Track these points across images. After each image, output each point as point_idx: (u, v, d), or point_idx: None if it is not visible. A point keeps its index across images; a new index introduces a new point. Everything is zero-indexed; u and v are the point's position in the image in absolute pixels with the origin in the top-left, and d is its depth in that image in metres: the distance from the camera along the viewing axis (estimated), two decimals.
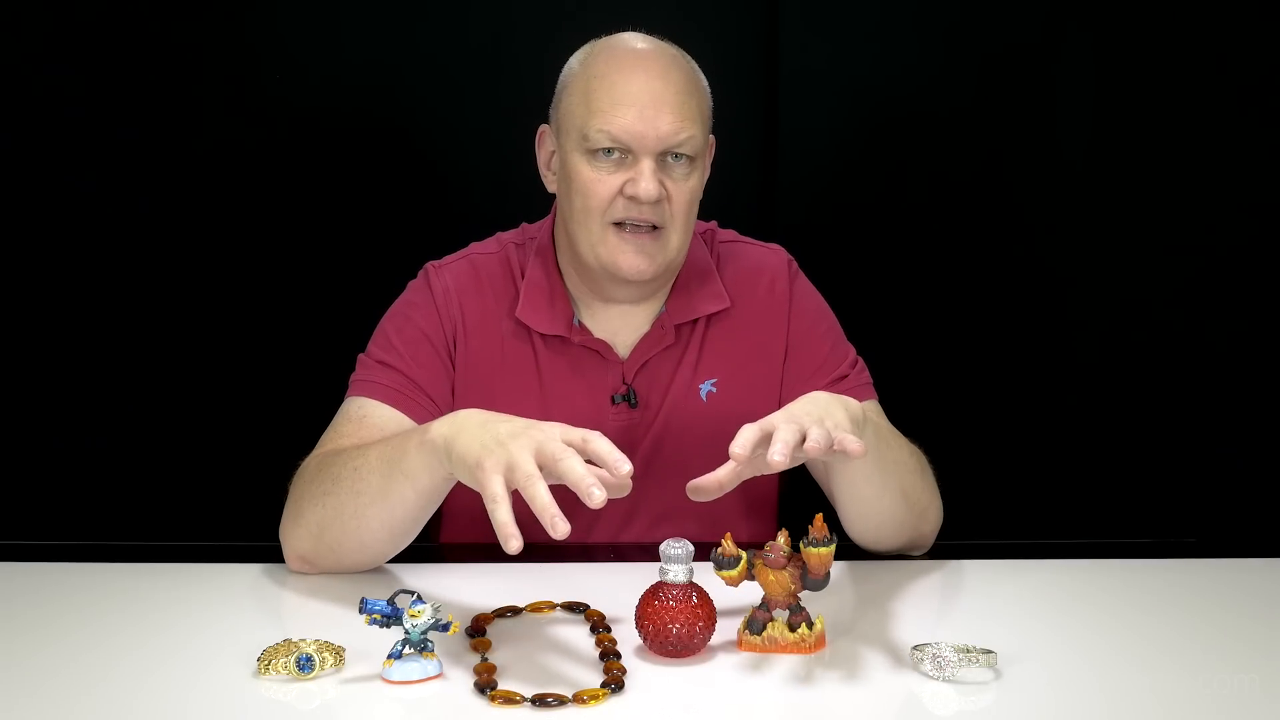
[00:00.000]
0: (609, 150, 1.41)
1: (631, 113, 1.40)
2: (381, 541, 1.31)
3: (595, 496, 1.06)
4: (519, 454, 1.10)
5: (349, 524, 1.29)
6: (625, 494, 1.12)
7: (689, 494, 1.17)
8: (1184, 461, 2.24)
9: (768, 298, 1.56)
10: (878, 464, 1.32)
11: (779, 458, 1.09)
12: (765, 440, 1.12)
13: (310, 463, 1.37)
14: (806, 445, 1.11)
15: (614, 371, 1.52)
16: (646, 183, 1.40)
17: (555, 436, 1.11)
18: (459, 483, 1.52)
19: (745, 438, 1.13)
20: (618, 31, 1.49)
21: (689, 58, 1.48)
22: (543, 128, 1.52)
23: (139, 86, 2.10)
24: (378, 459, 1.28)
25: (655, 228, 1.44)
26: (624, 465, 1.10)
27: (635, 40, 1.47)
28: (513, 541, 1.06)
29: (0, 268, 2.13)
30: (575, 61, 1.48)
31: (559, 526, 1.05)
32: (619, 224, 1.43)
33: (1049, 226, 2.20)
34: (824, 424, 1.14)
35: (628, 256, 1.43)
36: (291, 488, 1.36)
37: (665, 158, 1.42)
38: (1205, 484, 2.24)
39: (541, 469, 1.09)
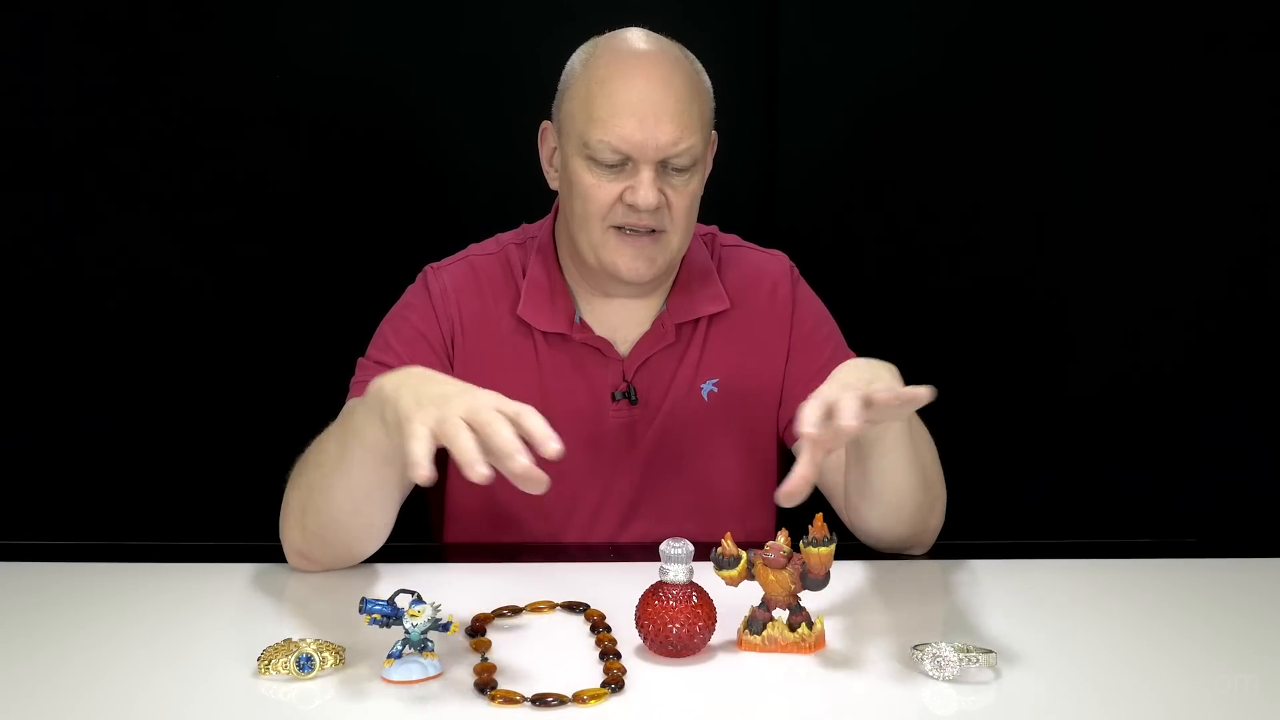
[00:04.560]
0: (609, 158, 1.41)
1: (631, 122, 1.39)
2: (349, 514, 1.27)
3: (519, 461, 1.03)
4: (449, 412, 1.07)
5: (319, 500, 1.27)
6: (541, 489, 1.06)
7: (781, 502, 1.10)
8: (1184, 461, 2.24)
9: (770, 301, 1.57)
10: (910, 437, 1.31)
11: (851, 420, 1.07)
12: (828, 414, 1.10)
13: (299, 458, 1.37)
14: (876, 395, 1.10)
15: (614, 368, 1.52)
16: (646, 192, 1.40)
17: (489, 404, 1.08)
18: (456, 482, 1.54)
19: (811, 415, 1.09)
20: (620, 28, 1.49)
21: (691, 57, 1.48)
22: (545, 124, 1.52)
23: (139, 88, 2.10)
24: (335, 427, 1.29)
25: (654, 231, 1.44)
26: (552, 444, 1.06)
27: (638, 41, 1.46)
28: (420, 470, 1.04)
29: (1, 268, 2.13)
30: (577, 61, 1.48)
31: (480, 470, 1.03)
32: (618, 227, 1.43)
33: (1049, 227, 2.20)
34: (877, 384, 1.13)
35: (627, 260, 1.44)
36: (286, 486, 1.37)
37: (665, 164, 1.42)
38: (1205, 484, 2.24)
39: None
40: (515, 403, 1.09)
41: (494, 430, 1.05)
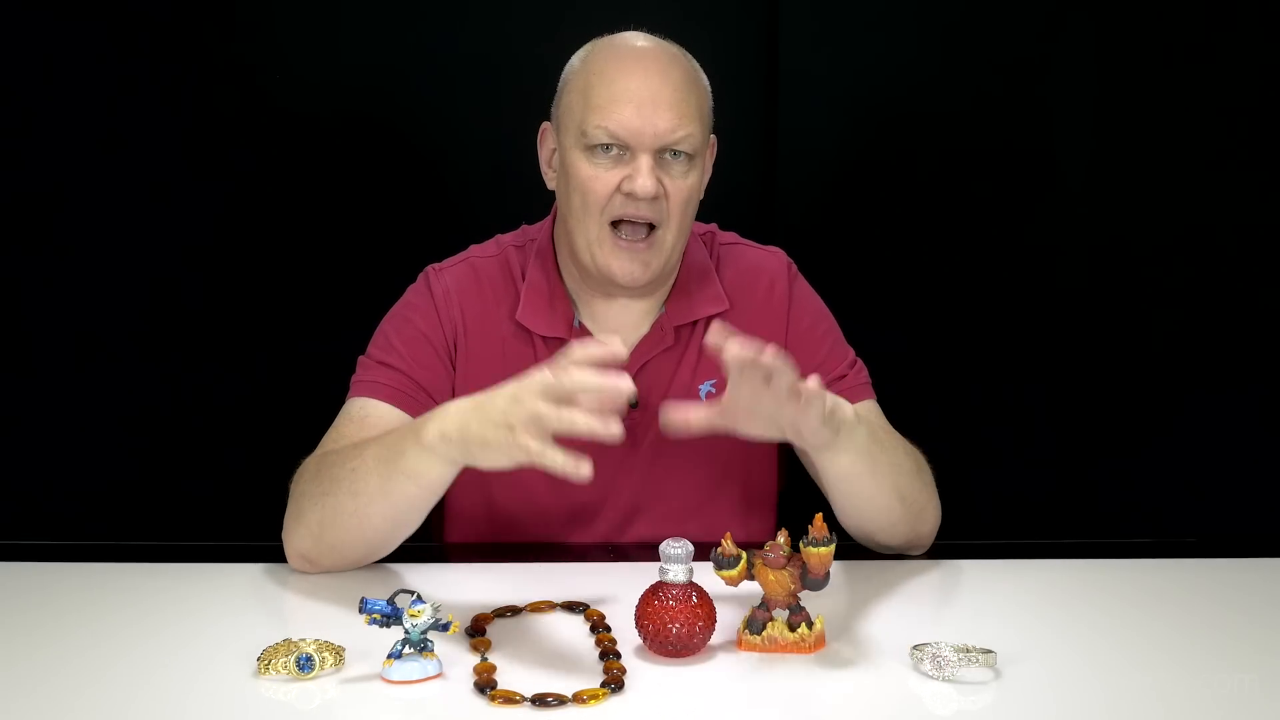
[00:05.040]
0: (607, 146, 1.41)
1: (629, 109, 1.40)
2: (384, 535, 1.33)
3: (614, 431, 1.12)
4: (526, 437, 1.13)
5: (349, 522, 1.30)
6: (629, 391, 1.13)
7: (661, 425, 1.24)
8: (1184, 461, 2.24)
9: (767, 299, 1.56)
10: (871, 464, 1.32)
11: (733, 349, 1.13)
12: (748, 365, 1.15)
13: (310, 463, 1.38)
14: (765, 359, 1.13)
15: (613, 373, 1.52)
16: (644, 179, 1.40)
17: (543, 410, 1.12)
18: (457, 486, 1.53)
19: (720, 338, 1.16)
20: (619, 31, 1.49)
21: (690, 56, 1.48)
22: (544, 125, 1.53)
23: (138, 88, 2.10)
24: (374, 459, 1.29)
25: (652, 227, 1.44)
26: (625, 385, 1.12)
27: (636, 39, 1.47)
28: (585, 467, 1.11)
29: (1, 267, 2.13)
30: (576, 59, 1.49)
31: (584, 469, 1.11)
32: (616, 224, 1.43)
33: (1048, 227, 2.20)
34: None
35: (622, 263, 1.44)
36: (292, 487, 1.37)
37: (663, 155, 1.42)
38: (1205, 484, 2.24)
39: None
40: (555, 377, 1.13)
41: (569, 423, 1.12)
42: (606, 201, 1.42)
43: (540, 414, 1.12)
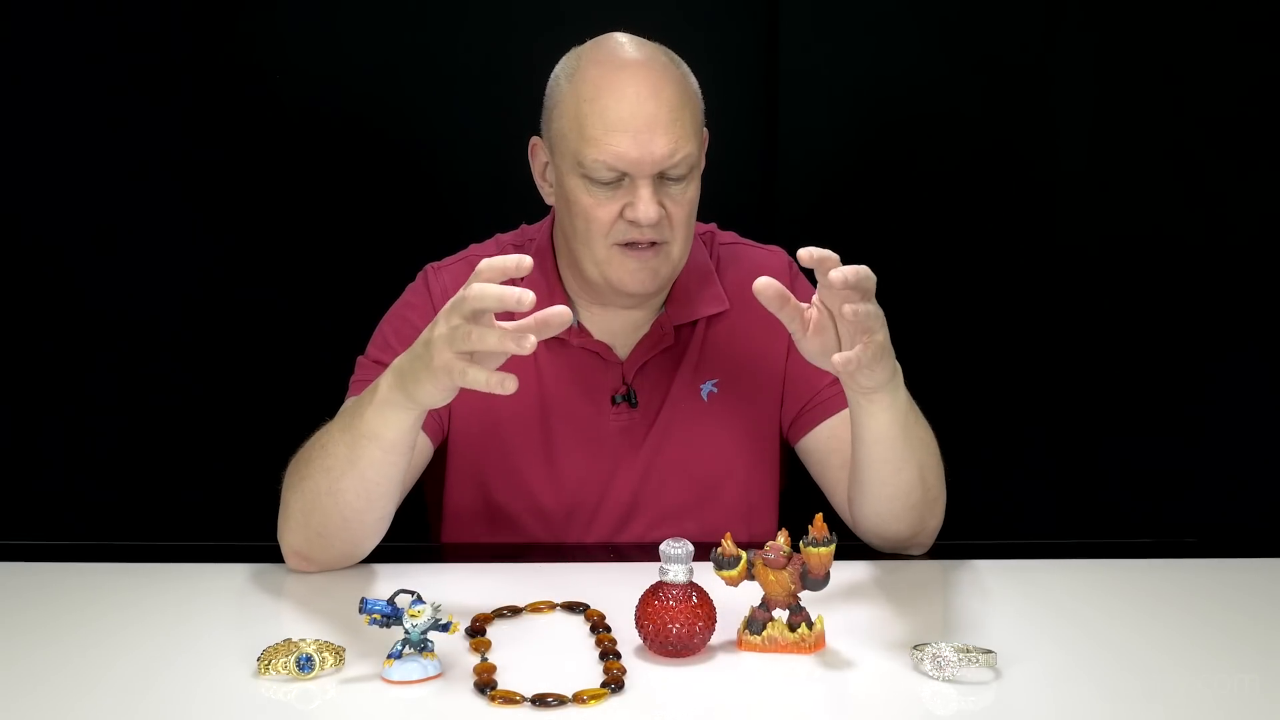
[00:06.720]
0: (605, 176, 1.40)
1: (625, 138, 1.37)
2: (361, 513, 1.29)
3: (526, 344, 1.11)
4: (444, 356, 1.14)
5: (326, 502, 1.29)
6: (565, 321, 1.16)
7: (755, 292, 1.24)
8: (1184, 461, 2.24)
9: None
10: (904, 430, 1.32)
11: (835, 274, 1.17)
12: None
13: (294, 458, 1.37)
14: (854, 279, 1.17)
15: (614, 372, 1.52)
16: (646, 207, 1.39)
17: (455, 326, 1.13)
18: (455, 485, 1.53)
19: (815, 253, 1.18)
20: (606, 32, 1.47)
21: (677, 60, 1.45)
22: (534, 140, 1.50)
23: (136, 88, 2.10)
24: (339, 430, 1.29)
25: (655, 243, 1.43)
26: (526, 296, 1.11)
27: (623, 49, 1.43)
28: (509, 381, 1.11)
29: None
30: (562, 76, 1.45)
31: (508, 384, 1.11)
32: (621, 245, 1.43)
33: (1049, 226, 2.20)
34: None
35: (633, 275, 1.43)
36: (282, 487, 1.37)
37: (662, 176, 1.41)
38: (1205, 484, 2.24)
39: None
40: (462, 303, 1.13)
41: (479, 339, 1.12)
42: (610, 228, 1.42)
43: (452, 331, 1.13)
